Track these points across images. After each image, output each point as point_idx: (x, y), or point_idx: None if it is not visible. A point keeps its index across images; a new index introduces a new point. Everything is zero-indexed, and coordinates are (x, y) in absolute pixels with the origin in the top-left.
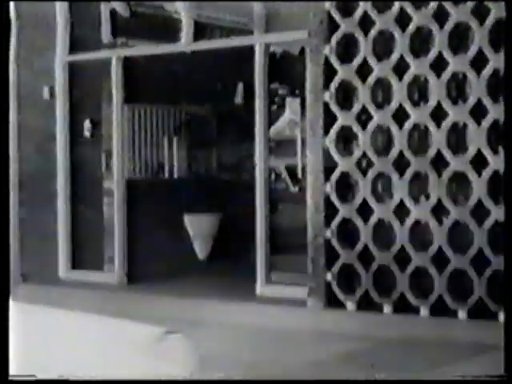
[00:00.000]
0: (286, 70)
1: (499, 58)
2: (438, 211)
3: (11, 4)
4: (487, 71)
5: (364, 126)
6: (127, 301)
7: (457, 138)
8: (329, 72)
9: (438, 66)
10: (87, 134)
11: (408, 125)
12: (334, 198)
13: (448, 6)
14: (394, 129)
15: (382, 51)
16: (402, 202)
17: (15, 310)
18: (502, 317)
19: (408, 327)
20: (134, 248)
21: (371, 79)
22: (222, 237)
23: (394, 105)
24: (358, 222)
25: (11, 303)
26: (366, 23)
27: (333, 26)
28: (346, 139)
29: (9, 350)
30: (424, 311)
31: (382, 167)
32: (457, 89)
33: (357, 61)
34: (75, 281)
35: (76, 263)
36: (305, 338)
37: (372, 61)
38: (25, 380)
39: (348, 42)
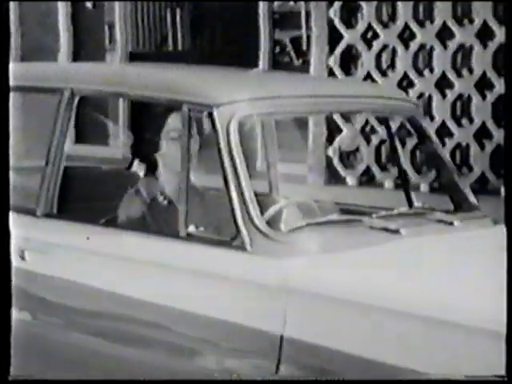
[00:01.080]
0: None
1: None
2: (442, 84)
3: None
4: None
5: None
6: None
7: (462, 10)
8: None
9: None
10: (89, 5)
11: None
12: (337, 71)
13: None
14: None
15: None
16: (405, 75)
17: None
18: (502, 191)
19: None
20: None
21: None
22: None
23: None
24: None
25: None
26: None
27: None
28: (350, 10)
29: (10, 350)
30: (424, 188)
31: (388, 40)
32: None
33: None
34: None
35: (78, 138)
36: None
37: None
38: (25, 380)
39: None
